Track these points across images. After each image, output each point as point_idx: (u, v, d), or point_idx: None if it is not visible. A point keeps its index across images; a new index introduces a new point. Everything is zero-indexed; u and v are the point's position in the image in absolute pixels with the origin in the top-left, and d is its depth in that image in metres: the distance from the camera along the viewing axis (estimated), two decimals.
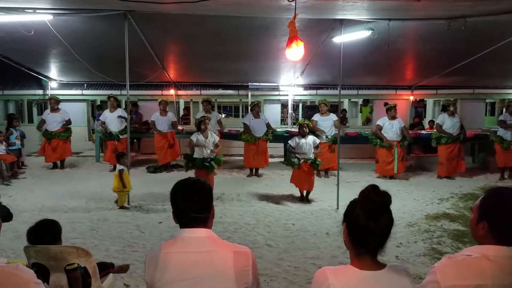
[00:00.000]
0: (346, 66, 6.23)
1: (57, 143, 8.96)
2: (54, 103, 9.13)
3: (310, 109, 12.38)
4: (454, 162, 8.23)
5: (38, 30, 6.16)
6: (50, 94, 10.53)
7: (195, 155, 6.37)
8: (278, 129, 9.47)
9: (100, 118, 9.19)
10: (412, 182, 8.07)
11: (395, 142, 8.13)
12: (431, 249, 4.54)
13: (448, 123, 8.24)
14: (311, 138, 6.50)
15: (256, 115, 8.65)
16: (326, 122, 8.34)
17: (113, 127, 8.81)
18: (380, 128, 8.32)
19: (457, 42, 6.84)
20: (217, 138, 6.55)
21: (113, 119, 8.82)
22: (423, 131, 9.80)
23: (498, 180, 8.18)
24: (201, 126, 6.34)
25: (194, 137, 6.32)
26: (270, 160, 9.11)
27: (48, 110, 9.32)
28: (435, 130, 8.62)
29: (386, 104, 8.96)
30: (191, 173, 6.87)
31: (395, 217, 1.49)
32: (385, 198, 1.46)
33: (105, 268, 2.84)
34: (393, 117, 8.25)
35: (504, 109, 8.62)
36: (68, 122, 9.16)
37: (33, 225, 2.56)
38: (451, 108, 8.37)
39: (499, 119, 8.54)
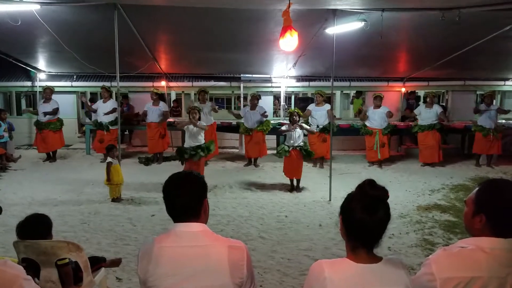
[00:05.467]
0: (339, 58, 6.21)
1: (47, 134, 8.87)
2: (49, 92, 9.00)
3: (303, 100, 12.38)
4: (430, 150, 8.67)
5: (25, 20, 6.01)
6: (39, 86, 10.35)
7: (185, 145, 6.48)
8: (271, 121, 9.46)
9: (93, 106, 9.23)
10: (403, 173, 8.13)
11: (377, 130, 8.54)
12: (423, 240, 4.58)
13: (423, 114, 8.75)
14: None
15: (253, 107, 8.76)
16: (320, 112, 8.51)
17: (104, 117, 8.81)
18: (364, 112, 8.82)
19: (449, 34, 6.84)
20: (204, 125, 6.60)
21: (105, 109, 8.83)
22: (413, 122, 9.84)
23: (474, 166, 8.72)
24: (189, 116, 6.50)
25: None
26: None
27: (41, 101, 9.20)
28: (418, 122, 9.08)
29: (374, 95, 9.31)
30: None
31: None
32: (382, 193, 1.45)
33: (97, 262, 2.80)
34: (377, 106, 8.64)
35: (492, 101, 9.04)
36: (55, 111, 8.96)
37: (23, 220, 2.51)
38: (428, 100, 8.89)
39: (475, 107, 9.17)
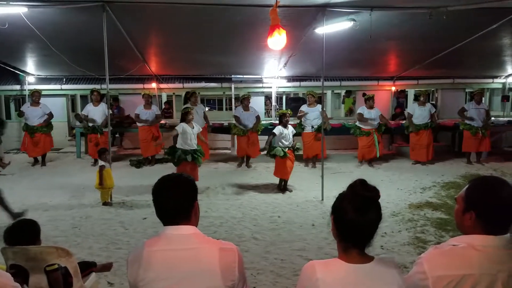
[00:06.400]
0: (329, 58, 6.24)
1: (39, 137, 8.81)
2: (38, 96, 8.95)
3: (294, 101, 12.38)
4: (425, 149, 8.72)
5: (12, 23, 5.92)
6: (29, 89, 10.24)
7: (179, 146, 6.26)
8: (262, 122, 9.47)
9: (83, 111, 9.12)
10: (395, 171, 8.17)
11: (373, 130, 8.63)
12: (415, 238, 4.60)
13: (417, 112, 8.79)
14: (291, 128, 6.70)
15: (246, 107, 8.74)
16: (313, 113, 8.53)
17: (96, 121, 8.75)
18: (362, 115, 8.76)
19: (438, 33, 6.90)
20: (200, 129, 6.64)
21: (96, 113, 8.78)
22: (404, 121, 9.91)
23: (465, 163, 8.75)
24: (188, 116, 6.27)
25: (179, 127, 6.20)
26: None
27: (28, 104, 9.10)
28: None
29: (364, 94, 9.44)
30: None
31: None
32: (374, 193, 1.45)
33: (87, 267, 2.77)
34: (371, 107, 8.70)
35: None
36: (50, 116, 9.00)
37: (10, 225, 2.47)
38: (421, 98, 8.93)
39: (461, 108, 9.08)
